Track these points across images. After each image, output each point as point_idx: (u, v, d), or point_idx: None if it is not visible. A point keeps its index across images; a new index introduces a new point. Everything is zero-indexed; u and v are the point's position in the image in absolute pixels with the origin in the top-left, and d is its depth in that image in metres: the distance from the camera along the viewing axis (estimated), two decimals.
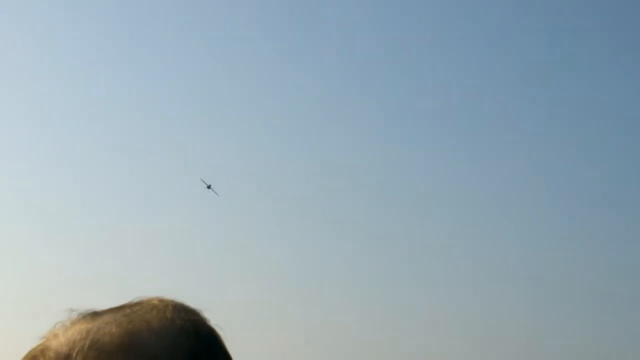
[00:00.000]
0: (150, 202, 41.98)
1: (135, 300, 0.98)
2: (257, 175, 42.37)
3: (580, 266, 40.25)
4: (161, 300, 0.98)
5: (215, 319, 1.00)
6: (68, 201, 41.18)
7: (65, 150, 41.69)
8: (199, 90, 42.86)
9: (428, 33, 43.19)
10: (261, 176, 42.74)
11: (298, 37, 43.64)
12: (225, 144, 43.14)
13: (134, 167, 42.48)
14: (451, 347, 35.82)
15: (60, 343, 0.93)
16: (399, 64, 43.71)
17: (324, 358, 34.54)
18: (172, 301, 0.98)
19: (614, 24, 42.77)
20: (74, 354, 0.91)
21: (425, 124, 43.08)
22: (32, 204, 40.55)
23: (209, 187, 35.94)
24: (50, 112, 43.13)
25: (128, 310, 0.96)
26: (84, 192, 40.77)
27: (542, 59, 42.68)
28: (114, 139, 42.03)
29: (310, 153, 43.14)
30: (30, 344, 0.96)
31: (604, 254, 39.44)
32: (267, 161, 43.04)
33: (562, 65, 42.82)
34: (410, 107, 42.83)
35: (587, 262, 39.49)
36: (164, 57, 43.11)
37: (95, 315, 0.96)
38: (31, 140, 42.53)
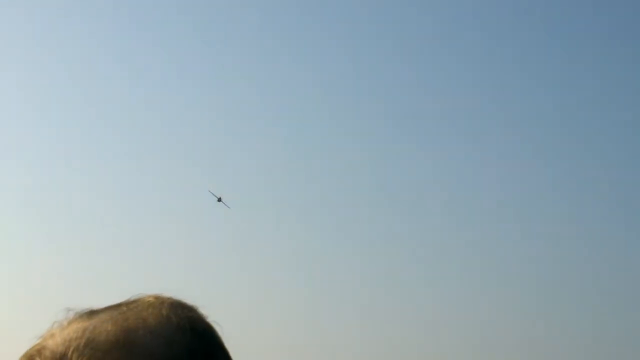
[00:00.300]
0: (151, 203, 42.01)
1: (132, 298, 0.98)
2: (258, 176, 42.35)
3: (581, 267, 40.23)
4: (157, 298, 0.97)
5: (215, 316, 0.99)
6: (69, 202, 41.20)
7: (68, 150, 41.73)
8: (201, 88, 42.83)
9: (430, 32, 43.18)
10: (262, 177, 42.72)
11: (301, 38, 43.65)
12: (225, 141, 43.13)
13: (137, 168, 42.52)
14: (451, 346, 35.80)
15: (56, 342, 0.93)
16: (400, 64, 43.68)
17: (326, 358, 34.55)
18: (169, 298, 0.97)
19: (616, 23, 42.74)
20: (69, 353, 0.91)
21: (428, 123, 43.07)
22: (33, 204, 40.58)
23: (219, 200, 35.36)
24: (53, 112, 43.17)
25: (124, 308, 0.95)
26: (84, 192, 40.80)
27: (545, 59, 42.66)
28: (116, 140, 42.04)
29: (312, 153, 43.14)
30: (29, 343, 0.96)
31: (605, 254, 39.41)
32: (267, 161, 43.00)
33: (566, 65, 42.80)
34: (413, 108, 42.81)
35: (588, 263, 39.48)
36: (172, 60, 43.13)
37: (92, 313, 0.96)
38: (36, 141, 42.61)
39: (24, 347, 0.96)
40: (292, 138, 43.65)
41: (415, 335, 37.53)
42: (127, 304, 0.96)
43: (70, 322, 0.95)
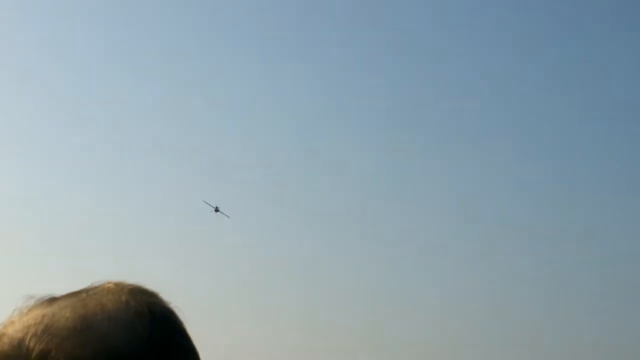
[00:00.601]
0: (149, 209, 42.04)
1: (93, 285, 0.98)
2: (257, 182, 42.32)
3: (586, 268, 40.20)
4: (117, 284, 0.97)
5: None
6: (64, 208, 41.24)
7: (66, 155, 41.73)
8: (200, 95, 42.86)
9: (429, 36, 43.18)
10: (261, 182, 42.69)
11: (303, 39, 43.60)
12: (224, 148, 43.08)
13: (134, 173, 42.54)
14: (451, 345, 35.76)
15: (15, 329, 0.93)
16: (401, 66, 43.66)
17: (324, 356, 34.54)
18: (129, 284, 0.98)
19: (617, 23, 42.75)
20: (27, 339, 0.91)
21: (433, 126, 43.06)
22: (33, 206, 40.61)
23: (216, 210, 34.66)
24: (52, 114, 43.18)
25: (84, 295, 0.96)
26: (81, 197, 40.82)
27: (552, 60, 42.66)
28: (115, 144, 42.09)
29: (313, 156, 43.12)
30: None
31: (611, 256, 39.38)
32: (266, 165, 43.00)
33: (573, 65, 42.78)
34: (416, 111, 42.81)
35: (594, 264, 39.45)
36: (173, 64, 43.12)
37: (52, 300, 0.96)
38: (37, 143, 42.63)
39: None
40: (292, 142, 43.65)
41: (416, 337, 37.51)
42: (87, 290, 0.97)
43: (30, 309, 0.95)
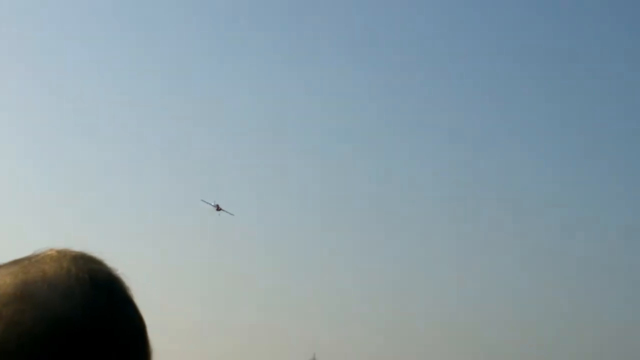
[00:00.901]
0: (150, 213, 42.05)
1: (37, 252, 0.98)
2: (257, 177, 42.34)
3: (584, 271, 40.24)
4: (59, 251, 0.97)
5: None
6: (67, 199, 41.23)
7: (66, 156, 41.76)
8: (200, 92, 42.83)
9: (433, 36, 43.22)
10: (263, 178, 42.71)
11: (303, 40, 43.63)
12: (222, 148, 43.06)
13: (137, 176, 42.55)
14: (451, 347, 35.80)
15: None
16: (401, 66, 43.69)
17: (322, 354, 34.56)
18: (71, 252, 0.97)
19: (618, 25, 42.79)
20: None
21: (431, 129, 43.13)
22: (35, 205, 40.63)
23: (218, 209, 33.81)
24: (59, 114, 43.21)
25: (26, 262, 0.96)
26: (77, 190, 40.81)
27: (549, 64, 42.68)
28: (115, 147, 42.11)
29: (313, 152, 43.14)
30: None
31: (608, 260, 39.43)
32: (269, 161, 42.97)
33: (571, 68, 42.82)
34: (416, 114, 42.84)
35: (590, 268, 39.50)
36: (172, 66, 43.12)
37: None
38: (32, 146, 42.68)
39: None
40: (292, 142, 43.65)
41: (415, 336, 37.56)
42: (30, 258, 0.97)
43: None
